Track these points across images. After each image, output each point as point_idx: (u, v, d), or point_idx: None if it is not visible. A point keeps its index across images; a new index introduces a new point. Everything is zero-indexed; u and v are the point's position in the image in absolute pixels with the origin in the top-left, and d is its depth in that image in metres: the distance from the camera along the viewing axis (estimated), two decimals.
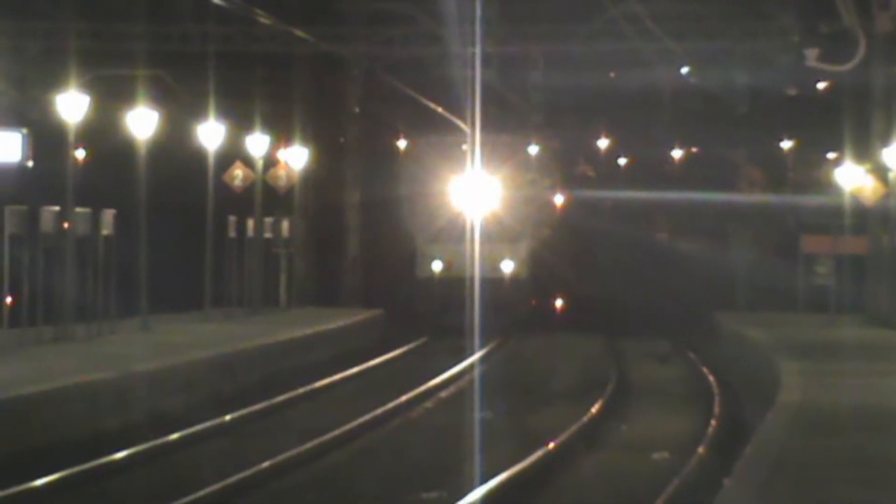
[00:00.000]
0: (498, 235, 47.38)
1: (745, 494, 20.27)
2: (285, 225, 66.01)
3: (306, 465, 26.98)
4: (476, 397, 40.19)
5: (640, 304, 62.55)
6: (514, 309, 48.16)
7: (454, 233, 46.35)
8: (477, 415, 35.11)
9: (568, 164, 77.84)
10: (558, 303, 67.36)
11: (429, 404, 40.76)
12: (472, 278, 41.73)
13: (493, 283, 45.44)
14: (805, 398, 31.75)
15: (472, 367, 44.40)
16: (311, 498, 25.01)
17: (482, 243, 42.39)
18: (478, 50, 42.06)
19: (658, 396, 41.41)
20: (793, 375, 35.67)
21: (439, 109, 61.15)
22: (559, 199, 76.83)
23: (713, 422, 34.12)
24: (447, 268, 48.45)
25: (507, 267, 48.53)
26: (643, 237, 78.59)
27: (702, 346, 50.27)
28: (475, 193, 43.51)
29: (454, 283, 45.44)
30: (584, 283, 67.51)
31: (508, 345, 54.47)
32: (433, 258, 49.12)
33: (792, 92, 52.19)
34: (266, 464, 25.70)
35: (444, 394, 42.64)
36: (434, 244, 50.14)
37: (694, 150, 78.87)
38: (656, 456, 30.80)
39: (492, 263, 46.82)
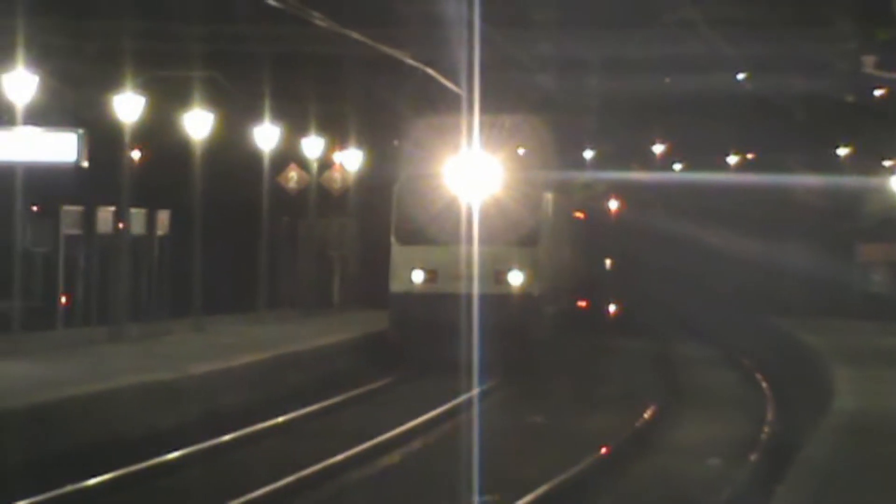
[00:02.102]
0: (503, 236, 39.27)
1: (796, 501, 20.40)
2: (339, 227, 65.92)
3: (358, 468, 26.81)
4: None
5: (697, 309, 62.20)
6: (523, 336, 38.65)
7: (442, 231, 39.28)
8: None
9: (622, 169, 77.51)
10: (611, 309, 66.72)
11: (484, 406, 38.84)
12: (466, 295, 36.57)
13: (496, 301, 37.89)
14: (859, 405, 31.57)
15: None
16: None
17: (481, 246, 36.82)
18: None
19: (712, 401, 41.03)
20: (847, 382, 35.51)
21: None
22: (613, 204, 76.70)
23: (765, 428, 33.85)
24: (431, 279, 39.80)
25: (516, 279, 39.13)
26: (704, 245, 78.10)
27: (757, 351, 49.88)
28: (474, 178, 38.98)
29: (441, 302, 38.31)
30: (634, 289, 67.13)
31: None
32: (412, 266, 40.12)
33: (849, 98, 51.97)
34: (318, 466, 25.67)
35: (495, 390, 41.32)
36: (414, 246, 40.90)
37: (749, 156, 78.56)
38: (711, 461, 30.92)
39: (494, 275, 39.10)
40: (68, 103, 46.82)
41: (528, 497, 24.52)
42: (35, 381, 31.66)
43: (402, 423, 30.62)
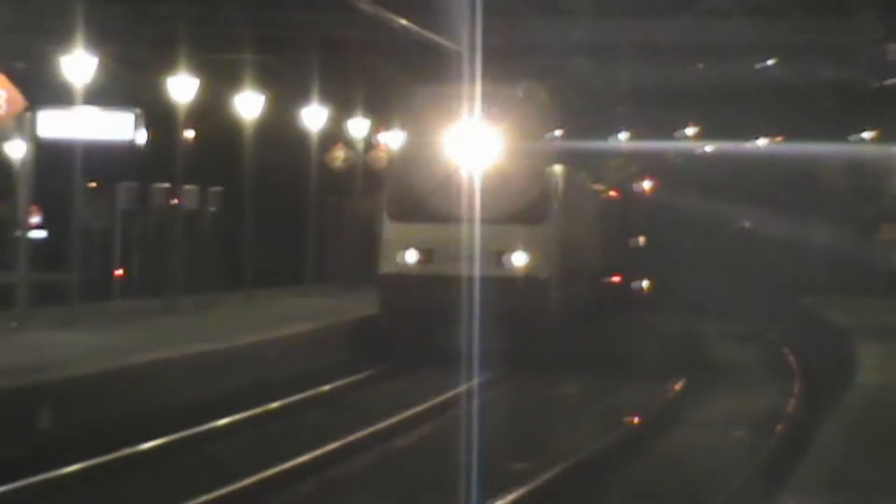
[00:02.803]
0: (506, 213, 34.95)
1: (822, 466, 20.45)
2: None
3: (403, 434, 26.81)
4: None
5: (728, 287, 61.98)
6: (528, 324, 34.71)
7: (439, 207, 35.24)
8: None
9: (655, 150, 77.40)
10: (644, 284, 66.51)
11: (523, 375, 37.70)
12: (464, 278, 32.92)
13: (498, 285, 33.92)
14: (882, 380, 31.79)
15: None
16: (399, 468, 24.39)
17: (482, 224, 32.91)
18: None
19: (741, 376, 40.95)
20: (870, 358, 35.54)
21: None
22: (647, 184, 76.63)
23: (792, 400, 34.09)
24: (425, 260, 35.67)
25: (519, 261, 35.14)
26: (733, 225, 78.00)
27: (784, 328, 49.85)
28: (475, 149, 35.68)
29: (436, 285, 34.76)
30: (667, 267, 66.90)
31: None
32: (406, 245, 35.78)
33: (874, 85, 52.02)
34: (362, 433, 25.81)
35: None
36: (409, 223, 36.47)
37: (778, 139, 78.35)
38: (738, 432, 31.13)
39: (496, 255, 34.96)
40: (126, 85, 46.92)
41: (560, 466, 24.46)
42: (92, 351, 31.98)
43: (436, 396, 30.10)
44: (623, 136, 71.97)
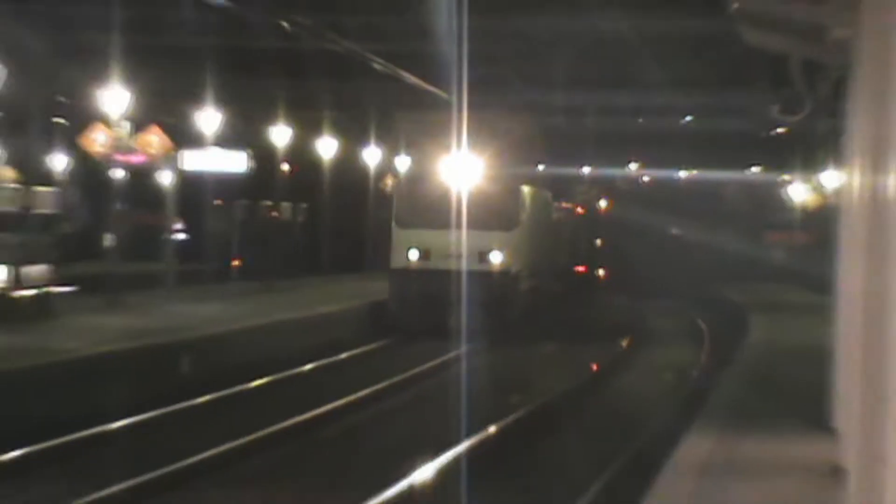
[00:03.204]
0: (485, 222, 34.00)
1: (721, 399, 21.13)
2: None
3: (433, 377, 27.22)
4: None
5: (661, 276, 61.87)
6: (503, 306, 34.09)
7: (435, 217, 34.29)
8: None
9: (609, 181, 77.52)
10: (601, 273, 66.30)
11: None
12: (455, 271, 32.50)
13: (480, 276, 33.14)
14: (764, 337, 32.30)
15: None
16: (422, 403, 24.50)
17: (468, 230, 32.32)
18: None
19: (669, 338, 40.94)
20: (757, 323, 36.06)
21: None
22: (604, 203, 76.69)
23: (703, 353, 34.56)
24: (424, 257, 34.69)
25: (496, 258, 34.53)
26: (665, 232, 78.00)
27: (700, 305, 49.97)
28: (462, 174, 35.01)
29: (433, 277, 33.78)
30: (617, 262, 66.96)
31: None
32: (409, 246, 34.90)
33: (762, 134, 52.41)
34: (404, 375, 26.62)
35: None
36: (411, 229, 35.58)
37: (695, 171, 78.87)
38: (667, 375, 31.52)
39: (478, 254, 33.97)
40: (240, 132, 47.41)
41: (542, 399, 25.29)
42: (215, 318, 32.56)
43: (438, 357, 29.50)
44: (587, 168, 72.03)
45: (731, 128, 57.41)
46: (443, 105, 38.17)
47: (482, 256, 34.11)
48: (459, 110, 32.43)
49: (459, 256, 32.21)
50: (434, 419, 20.02)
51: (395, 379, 26.40)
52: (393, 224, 36.12)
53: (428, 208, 34.65)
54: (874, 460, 7.86)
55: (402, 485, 16.28)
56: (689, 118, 58.58)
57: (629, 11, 36.70)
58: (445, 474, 17.11)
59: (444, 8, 29.77)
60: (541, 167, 59.55)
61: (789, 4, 12.50)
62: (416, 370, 27.98)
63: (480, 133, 36.76)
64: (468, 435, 19.30)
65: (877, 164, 9.11)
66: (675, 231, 78.58)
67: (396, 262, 35.35)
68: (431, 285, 33.12)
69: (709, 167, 72.44)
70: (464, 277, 30.85)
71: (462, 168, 34.39)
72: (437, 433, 18.69)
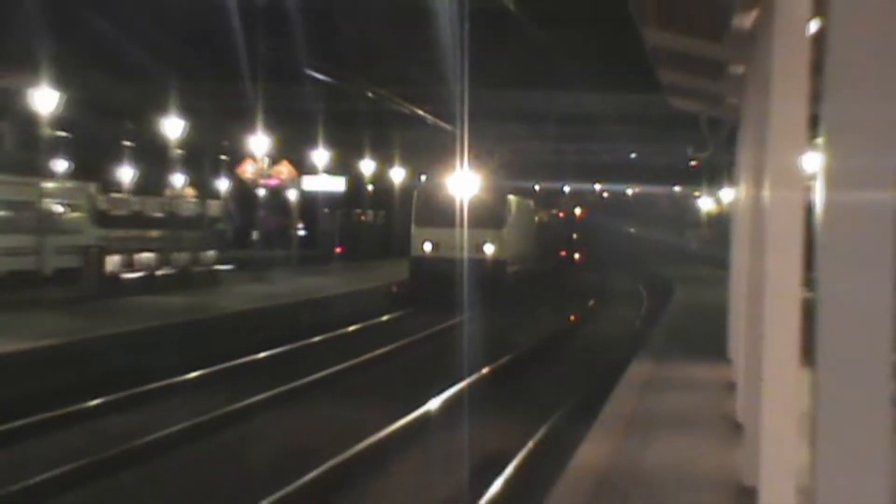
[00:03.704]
0: (481, 222, 31.90)
1: (657, 340, 21.08)
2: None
3: (447, 332, 24.92)
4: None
5: (618, 260, 61.53)
6: (494, 285, 31.83)
7: (444, 219, 31.69)
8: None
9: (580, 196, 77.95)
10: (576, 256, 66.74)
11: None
12: (459, 259, 30.08)
13: (477, 263, 31.15)
14: (684, 299, 32.22)
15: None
16: (438, 352, 21.92)
17: (468, 228, 30.48)
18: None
19: (622, 299, 40.20)
20: (679, 290, 36.04)
21: None
22: (579, 210, 76.82)
23: (644, 311, 34.28)
24: (436, 248, 32.41)
25: (489, 249, 32.40)
26: (620, 229, 77.97)
27: (643, 279, 49.61)
28: (464, 186, 32.32)
29: (442, 263, 31.18)
30: (589, 251, 66.97)
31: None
32: (424, 240, 32.67)
33: (682, 166, 52.18)
34: (429, 330, 25.30)
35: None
36: (426, 228, 33.37)
37: (639, 189, 78.76)
38: (621, 323, 31.04)
39: (475, 246, 31.87)
40: (341, 163, 47.23)
41: (537, 339, 24.88)
42: (320, 287, 31.88)
43: (447, 321, 26.77)
44: (567, 187, 71.71)
45: (662, 161, 57.20)
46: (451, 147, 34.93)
47: (478, 248, 32.15)
48: (462, 142, 31.36)
49: (461, 248, 30.48)
50: (458, 355, 18.95)
51: (435, 328, 25.57)
52: (413, 224, 34.02)
53: (438, 212, 32.45)
54: (754, 378, 7.89)
55: (451, 390, 16.34)
56: (634, 154, 58.31)
57: (599, 89, 36.40)
58: (474, 384, 17.18)
59: (458, 84, 29.10)
60: (534, 184, 59.65)
61: (693, 39, 12.22)
62: (447, 323, 26.24)
63: (478, 159, 35.58)
64: (488, 363, 19.25)
65: (755, 184, 9.14)
66: (627, 229, 78.72)
67: (415, 252, 33.16)
68: (441, 269, 30.90)
69: (648, 186, 72.71)
70: (465, 263, 29.39)
71: (464, 183, 32.49)
72: (464, 364, 17.97)
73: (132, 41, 30.34)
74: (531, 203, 44.78)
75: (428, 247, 32.66)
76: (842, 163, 2.96)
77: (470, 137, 33.44)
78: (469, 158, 32.64)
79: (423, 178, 47.82)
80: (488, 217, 32.46)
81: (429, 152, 43.86)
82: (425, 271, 32.06)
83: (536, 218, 46.24)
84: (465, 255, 29.95)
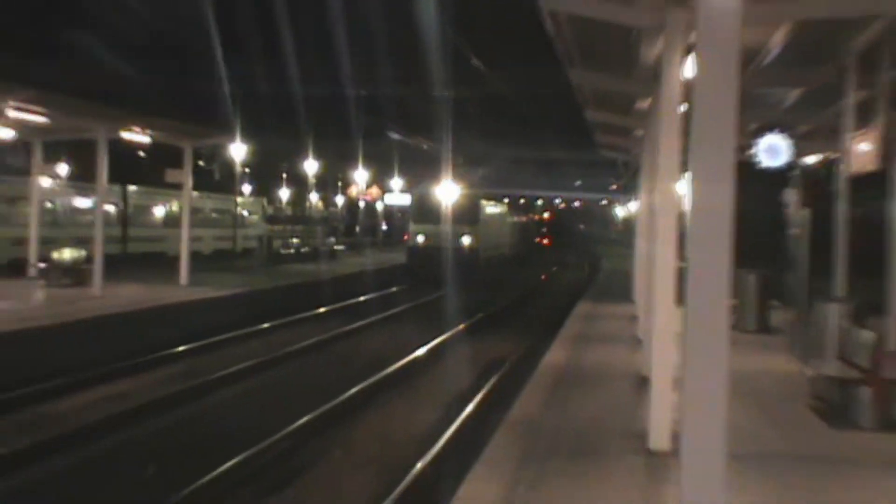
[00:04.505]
0: (461, 221, 26.15)
1: (592, 291, 20.69)
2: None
3: (426, 304, 19.17)
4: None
5: (571, 246, 57.56)
6: (470, 269, 25.67)
7: (433, 217, 26.06)
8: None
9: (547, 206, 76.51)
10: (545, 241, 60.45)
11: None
12: (444, 248, 25.27)
13: (457, 251, 25.72)
14: (609, 267, 31.26)
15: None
16: (430, 312, 17.44)
17: (451, 225, 25.60)
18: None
19: (573, 268, 38.66)
20: (606, 262, 35.07)
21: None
22: (546, 214, 73.70)
23: (585, 275, 33.01)
24: (427, 240, 25.98)
25: (466, 241, 26.23)
26: (575, 226, 76.20)
27: (587, 257, 46.69)
28: (449, 194, 26.43)
29: (431, 251, 25.42)
30: (555, 239, 62.50)
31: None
32: (419, 233, 26.32)
33: (608, 187, 51.09)
34: (430, 296, 20.15)
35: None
36: (421, 224, 26.54)
37: (582, 202, 77.39)
38: (575, 279, 29.79)
39: (456, 238, 25.98)
40: (407, 185, 40.32)
41: (515, 294, 21.79)
42: (387, 260, 29.01)
43: (436, 293, 20.62)
44: (539, 200, 70.47)
45: (596, 185, 55.71)
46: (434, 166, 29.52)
47: (458, 240, 25.92)
48: (447, 162, 26.92)
49: (446, 239, 25.21)
50: (451, 313, 15.98)
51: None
52: (410, 221, 27.34)
53: (429, 212, 26.24)
54: (648, 312, 7.81)
55: (458, 327, 14.75)
56: (579, 182, 57.17)
57: (561, 146, 34.97)
58: (471, 325, 15.37)
59: (445, 130, 26.80)
60: (519, 198, 56.45)
61: (611, 114, 11.57)
62: (440, 293, 20.51)
63: (459, 174, 29.57)
64: (481, 311, 17.03)
65: (649, 199, 9.20)
66: (577, 226, 77.70)
67: (411, 243, 26.44)
68: (430, 256, 25.06)
69: (588, 200, 71.66)
70: (448, 252, 24.61)
71: (448, 191, 26.79)
72: (459, 317, 15.51)
73: (286, 117, 30.96)
74: (504, 206, 38.08)
75: (421, 238, 26.26)
76: (698, 186, 2.99)
77: (464, 164, 29.61)
78: (453, 175, 27.34)
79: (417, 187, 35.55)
80: (466, 216, 26.52)
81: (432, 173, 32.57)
82: (419, 258, 25.85)
83: (516, 218, 40.63)
84: (449, 245, 25.15)
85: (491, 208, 31.23)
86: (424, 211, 26.55)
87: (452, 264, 23.57)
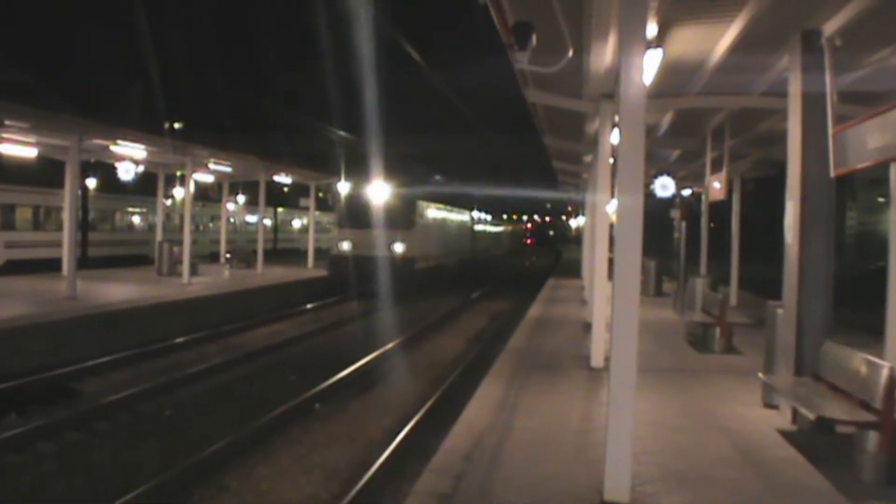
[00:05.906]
0: (392, 225, 13.94)
1: (557, 271, 20.06)
2: None
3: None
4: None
5: (545, 245, 53.42)
6: (403, 278, 13.78)
7: (361, 222, 14.10)
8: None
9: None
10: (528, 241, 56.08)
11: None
12: (374, 256, 13.95)
13: (389, 260, 13.80)
14: (567, 257, 30.06)
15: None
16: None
17: (381, 230, 13.95)
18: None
19: (542, 256, 36.18)
20: (566, 254, 33.65)
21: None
22: (530, 224, 68.59)
23: (552, 262, 30.13)
24: (354, 247, 13.72)
25: (399, 248, 13.87)
26: (547, 233, 68.99)
27: (553, 251, 43.69)
28: (379, 194, 14.60)
29: (359, 260, 13.61)
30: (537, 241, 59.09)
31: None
32: (344, 240, 13.94)
33: (567, 208, 45.91)
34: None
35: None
36: (346, 229, 13.97)
37: (551, 217, 70.75)
38: (543, 265, 27.12)
39: (387, 245, 13.87)
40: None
41: (485, 288, 15.97)
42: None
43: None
44: (525, 216, 64.92)
45: (560, 207, 50.85)
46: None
47: (389, 247, 14.56)
48: (378, 157, 15.90)
49: (376, 246, 14.46)
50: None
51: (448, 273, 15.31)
52: (336, 225, 15.32)
53: (357, 215, 14.91)
54: (591, 285, 7.98)
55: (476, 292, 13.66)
56: (549, 204, 53.35)
57: (535, 183, 26.71)
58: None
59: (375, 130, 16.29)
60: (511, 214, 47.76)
61: (566, 163, 11.04)
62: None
63: (391, 171, 16.14)
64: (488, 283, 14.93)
65: (592, 216, 9.56)
66: (549, 233, 72.15)
67: (335, 251, 14.83)
68: (358, 266, 14.22)
69: (554, 216, 67.98)
70: (379, 261, 14.25)
71: (378, 190, 15.14)
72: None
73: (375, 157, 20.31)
74: (447, 210, 19.84)
75: (347, 245, 14.74)
76: (621, 207, 3.06)
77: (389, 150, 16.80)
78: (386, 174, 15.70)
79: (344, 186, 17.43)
80: (399, 219, 14.93)
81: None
82: (344, 268, 14.54)
83: (502, 227, 33.11)
84: (379, 253, 14.50)
85: (434, 211, 17.87)
86: (352, 214, 15.55)
87: (382, 275, 14.24)
